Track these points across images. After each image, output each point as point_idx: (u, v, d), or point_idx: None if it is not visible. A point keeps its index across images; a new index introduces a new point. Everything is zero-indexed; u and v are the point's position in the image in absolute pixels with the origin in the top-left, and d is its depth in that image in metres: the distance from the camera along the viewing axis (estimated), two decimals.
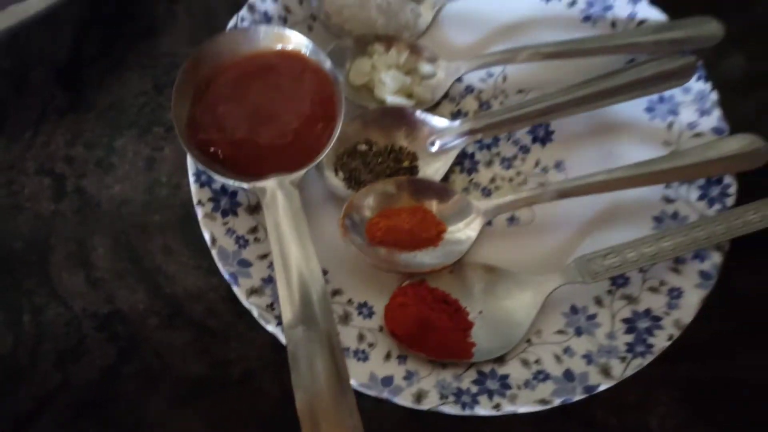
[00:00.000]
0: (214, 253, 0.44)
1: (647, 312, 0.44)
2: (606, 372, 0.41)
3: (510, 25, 0.55)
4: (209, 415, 0.43)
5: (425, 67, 0.52)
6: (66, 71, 0.53)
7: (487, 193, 0.50)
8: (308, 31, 0.54)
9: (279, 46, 0.48)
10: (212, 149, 0.45)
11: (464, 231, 0.46)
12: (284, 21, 0.53)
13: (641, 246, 0.44)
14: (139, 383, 0.44)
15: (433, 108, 0.52)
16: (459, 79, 0.53)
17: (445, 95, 0.53)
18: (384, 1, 0.53)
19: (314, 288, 0.40)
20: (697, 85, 0.50)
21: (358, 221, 0.46)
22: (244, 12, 0.51)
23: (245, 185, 0.44)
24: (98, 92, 0.52)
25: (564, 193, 0.46)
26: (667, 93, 0.51)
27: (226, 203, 0.46)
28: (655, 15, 0.53)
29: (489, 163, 0.51)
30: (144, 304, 0.46)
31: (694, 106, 0.50)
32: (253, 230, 0.46)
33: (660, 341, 0.42)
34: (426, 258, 0.46)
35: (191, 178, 0.46)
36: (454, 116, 0.52)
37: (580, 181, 0.46)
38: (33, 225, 0.48)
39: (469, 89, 0.53)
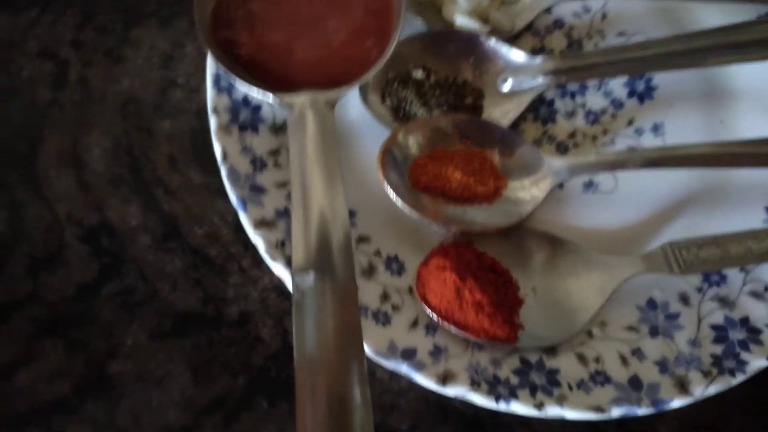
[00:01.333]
0: (223, 171, 0.36)
1: (744, 321, 0.35)
2: (683, 386, 0.33)
3: None
4: (193, 357, 0.36)
5: None
6: None
7: (563, 149, 0.41)
8: None
9: None
10: (238, 51, 0.37)
11: (529, 190, 0.38)
12: None
13: (749, 239, 0.35)
14: (119, 307, 0.37)
15: (512, 40, 0.43)
16: (548, 10, 0.44)
17: (528, 26, 0.43)
18: None
19: (336, 230, 0.32)
20: None
21: (402, 160, 0.38)
22: None
23: (271, 97, 0.36)
24: None
25: (659, 162, 0.37)
26: None
27: (246, 116, 0.38)
28: None
29: (571, 115, 0.42)
30: (137, 219, 0.39)
31: None
32: (275, 153, 0.38)
33: (757, 359, 0.33)
34: (478, 215, 0.37)
35: (209, 81, 0.38)
36: (535, 53, 0.43)
37: (682, 149, 0.37)
38: (26, 113, 0.42)
39: (559, 24, 0.44)
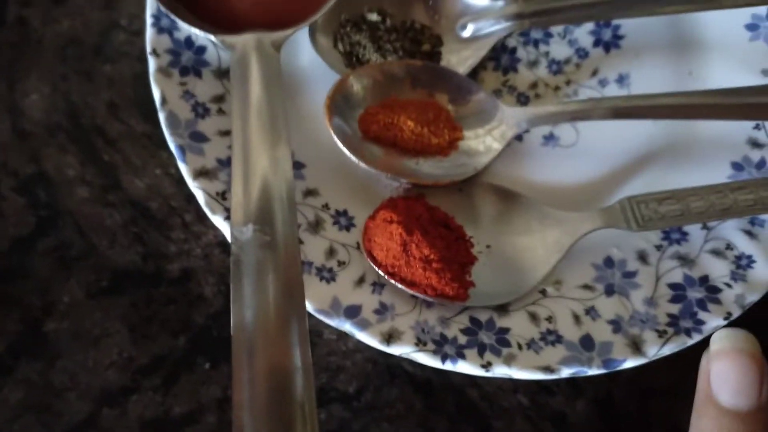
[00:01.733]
0: (162, 117, 0.34)
1: (704, 280, 0.34)
2: (636, 346, 0.32)
3: None
4: (131, 315, 0.34)
5: None
6: None
7: (524, 100, 0.39)
8: None
9: None
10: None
11: (485, 139, 0.36)
12: None
13: (711, 194, 0.34)
14: (55, 263, 0.35)
15: None
16: None
17: None
18: None
19: (278, 182, 0.31)
20: None
21: (351, 107, 0.36)
22: None
23: (213, 37, 0.34)
24: None
25: (622, 112, 0.35)
26: None
27: (188, 59, 0.36)
28: None
29: (533, 64, 0.40)
30: (75, 170, 0.37)
31: None
32: (219, 99, 0.36)
33: (714, 319, 0.32)
34: (430, 168, 0.36)
35: (148, 20, 0.36)
36: None
37: (646, 99, 0.35)
38: None
39: None
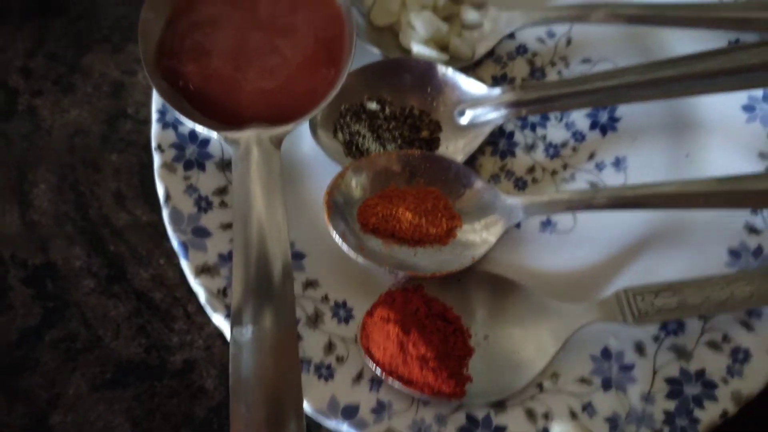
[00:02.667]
0: (165, 214, 0.35)
1: (700, 374, 0.34)
2: None
3: None
4: (134, 408, 0.35)
5: (470, 14, 0.41)
6: None
7: (521, 185, 0.39)
8: None
9: None
10: (184, 82, 0.36)
11: (480, 233, 0.36)
12: None
13: (708, 287, 0.34)
14: (61, 354, 0.36)
15: (472, 67, 0.41)
16: (510, 35, 0.42)
17: (490, 53, 0.42)
18: None
19: (277, 283, 0.32)
20: None
21: (350, 200, 0.36)
22: None
23: (214, 134, 0.35)
24: None
25: (620, 202, 0.35)
26: None
27: (192, 153, 0.37)
28: None
29: (530, 148, 0.40)
30: (81, 261, 0.38)
31: None
32: (221, 191, 0.37)
33: (709, 416, 0.32)
34: (428, 259, 0.36)
35: (154, 116, 0.37)
36: (496, 81, 0.42)
37: (644, 189, 0.36)
38: None
39: (522, 49, 0.42)
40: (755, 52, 0.38)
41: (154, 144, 0.36)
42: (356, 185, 0.36)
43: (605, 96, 0.38)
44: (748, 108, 0.40)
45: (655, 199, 0.35)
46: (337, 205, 0.36)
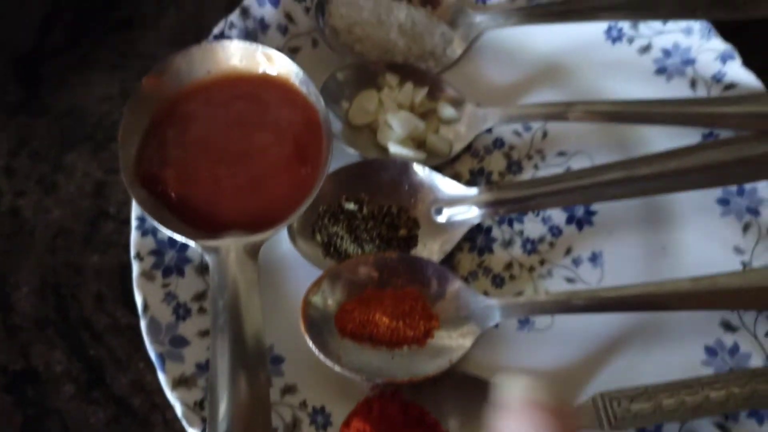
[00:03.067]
0: (143, 324, 0.35)
1: None
2: None
3: (563, 67, 0.44)
4: None
5: (447, 111, 0.42)
6: (24, 63, 0.45)
7: (498, 282, 0.40)
8: (312, 47, 0.44)
9: (261, 70, 0.39)
10: (162, 188, 0.37)
11: (458, 336, 0.37)
12: (284, 31, 0.43)
13: (683, 391, 0.34)
14: None
15: (450, 162, 0.42)
16: (488, 129, 0.43)
17: (468, 147, 0.42)
18: (408, 20, 0.43)
19: (253, 397, 0.32)
20: None
21: (327, 308, 0.36)
22: (234, 17, 0.42)
23: (192, 243, 0.35)
24: (57, 92, 0.44)
25: (597, 305, 0.36)
26: (749, 185, 0.40)
27: (171, 258, 0.38)
28: (747, 80, 0.41)
29: (507, 244, 0.41)
30: (62, 366, 0.38)
31: None
32: (200, 296, 0.37)
33: None
34: (406, 362, 0.36)
35: (133, 222, 0.37)
36: (473, 175, 0.42)
37: (619, 291, 0.36)
38: None
39: (498, 143, 0.43)
40: (729, 148, 0.39)
41: (132, 252, 0.37)
42: (333, 292, 0.37)
43: (581, 195, 0.39)
44: (723, 201, 0.40)
45: (630, 301, 0.36)
46: (314, 313, 0.36)
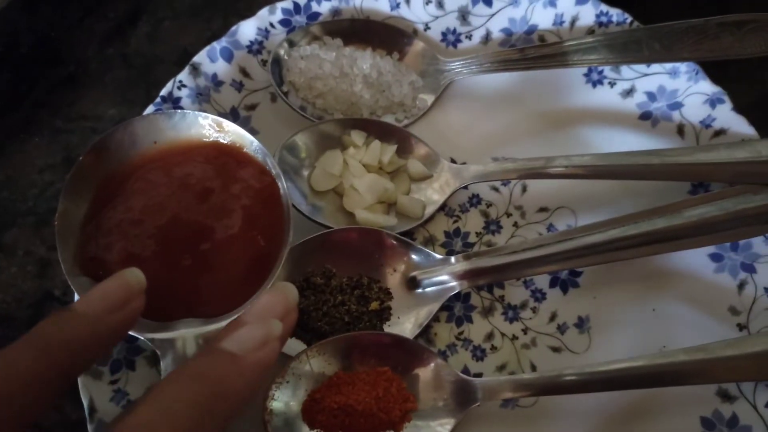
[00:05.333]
0: (90, 429, 0.32)
1: None
2: None
3: (541, 114, 0.41)
4: None
5: (418, 169, 0.39)
6: None
7: (479, 354, 0.37)
8: (271, 101, 0.41)
9: (212, 138, 0.36)
10: (106, 275, 0.33)
11: (436, 419, 0.34)
12: (240, 87, 0.40)
13: None
14: None
15: (423, 223, 0.39)
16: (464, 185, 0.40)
17: (442, 205, 0.39)
18: (374, 70, 0.40)
19: None
20: None
21: (292, 403, 0.33)
22: (184, 75, 0.39)
23: (140, 337, 0.32)
24: None
25: (584, 385, 0.33)
26: (743, 241, 0.37)
27: (120, 351, 0.34)
28: (739, 126, 0.39)
29: (488, 311, 0.38)
30: None
31: None
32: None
33: None
34: None
35: None
36: (449, 236, 0.39)
37: (609, 367, 0.33)
38: None
39: (475, 200, 0.40)
40: (722, 203, 0.36)
41: None
42: (297, 385, 0.33)
43: (564, 261, 0.36)
44: (716, 257, 0.38)
45: (620, 379, 0.33)
46: (277, 420, 0.33)
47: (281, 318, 0.28)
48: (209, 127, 0.35)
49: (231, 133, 0.35)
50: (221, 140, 0.35)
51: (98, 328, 0.26)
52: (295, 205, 0.36)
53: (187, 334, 0.32)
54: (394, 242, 0.37)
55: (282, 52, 0.40)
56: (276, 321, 0.28)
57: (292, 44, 0.40)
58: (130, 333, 0.32)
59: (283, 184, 0.34)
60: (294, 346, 0.35)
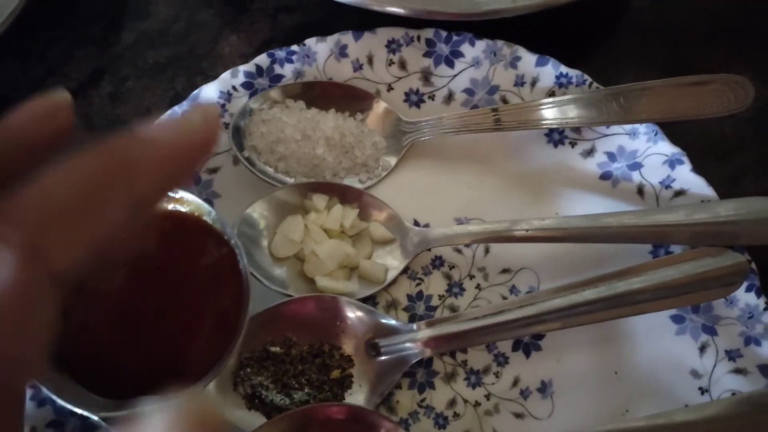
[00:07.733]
0: None
1: None
2: None
3: (505, 172, 0.41)
4: None
5: (380, 232, 0.39)
6: None
7: (441, 422, 0.36)
8: (233, 164, 0.41)
9: (169, 207, 0.35)
10: (58, 353, 0.33)
11: None
12: None
13: None
14: None
15: (386, 287, 0.39)
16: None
17: (405, 269, 0.39)
18: (336, 132, 0.40)
19: None
20: (745, 297, 0.37)
21: None
22: None
23: (94, 417, 0.32)
24: None
25: None
26: (704, 303, 0.37)
27: (75, 429, 0.34)
28: (698, 187, 0.39)
29: (450, 377, 0.37)
30: None
31: (739, 328, 0.37)
32: None
33: None
34: None
35: (27, 392, 0.33)
36: (412, 300, 0.39)
37: None
38: None
39: (438, 262, 0.40)
40: (681, 267, 0.36)
41: (26, 428, 0.33)
42: None
43: (525, 327, 0.36)
44: (678, 319, 0.38)
45: None
46: None
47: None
48: (167, 197, 0.35)
49: (189, 202, 0.35)
50: (179, 209, 0.35)
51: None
52: (254, 273, 0.36)
53: (137, 412, 0.32)
54: (356, 309, 0.37)
55: (242, 120, 0.40)
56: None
57: (252, 111, 0.40)
58: (82, 412, 0.32)
59: (242, 253, 0.34)
60: (252, 420, 0.35)
